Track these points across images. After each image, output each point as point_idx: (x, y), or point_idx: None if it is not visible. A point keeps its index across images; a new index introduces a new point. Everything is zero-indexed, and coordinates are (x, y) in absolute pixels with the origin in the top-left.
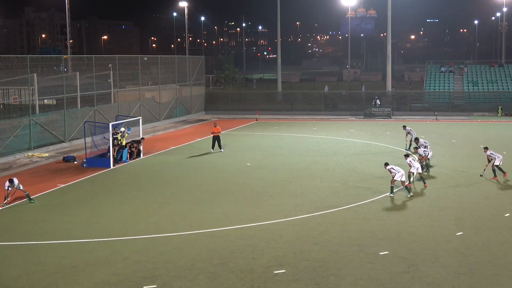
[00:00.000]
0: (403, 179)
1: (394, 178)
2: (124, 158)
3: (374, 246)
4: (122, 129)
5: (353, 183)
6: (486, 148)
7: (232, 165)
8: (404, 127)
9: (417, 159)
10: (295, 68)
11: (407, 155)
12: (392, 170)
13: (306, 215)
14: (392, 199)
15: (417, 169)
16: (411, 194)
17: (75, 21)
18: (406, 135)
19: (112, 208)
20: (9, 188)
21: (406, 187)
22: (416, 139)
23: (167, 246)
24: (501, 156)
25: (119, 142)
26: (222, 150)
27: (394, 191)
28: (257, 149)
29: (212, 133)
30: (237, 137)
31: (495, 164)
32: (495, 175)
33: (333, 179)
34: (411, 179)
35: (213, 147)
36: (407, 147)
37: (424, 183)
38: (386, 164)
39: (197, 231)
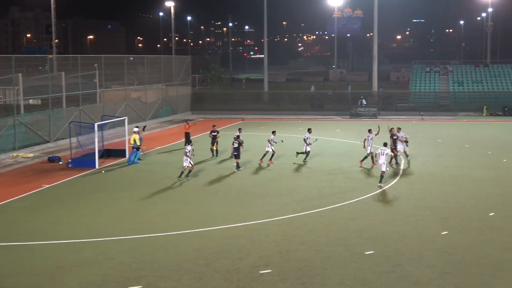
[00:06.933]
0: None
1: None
2: (136, 160)
3: (360, 245)
4: (136, 129)
5: (339, 183)
6: (399, 128)
7: (218, 165)
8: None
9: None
10: (281, 68)
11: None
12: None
13: (292, 215)
14: (378, 198)
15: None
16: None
17: (61, 20)
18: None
19: (98, 208)
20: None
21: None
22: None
23: (152, 246)
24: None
25: (135, 143)
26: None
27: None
28: (243, 149)
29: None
30: (223, 137)
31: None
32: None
33: (319, 179)
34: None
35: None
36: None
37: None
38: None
39: (183, 232)
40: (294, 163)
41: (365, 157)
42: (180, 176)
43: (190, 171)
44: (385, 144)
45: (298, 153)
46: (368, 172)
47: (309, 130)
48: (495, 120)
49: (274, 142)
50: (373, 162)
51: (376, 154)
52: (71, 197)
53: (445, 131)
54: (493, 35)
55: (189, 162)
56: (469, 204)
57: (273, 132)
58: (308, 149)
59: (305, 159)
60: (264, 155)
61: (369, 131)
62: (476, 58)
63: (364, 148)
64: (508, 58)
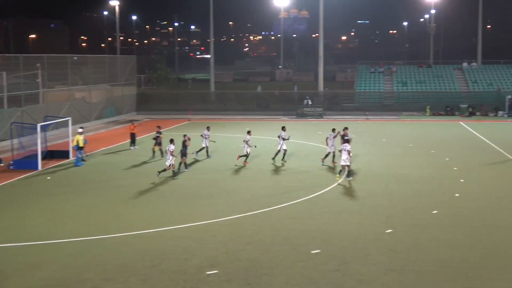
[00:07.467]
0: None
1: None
2: (79, 161)
3: (306, 244)
4: (80, 130)
5: (285, 183)
6: (346, 128)
7: (163, 166)
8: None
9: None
10: (228, 68)
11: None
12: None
13: (239, 215)
14: (324, 198)
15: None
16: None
17: (2, 19)
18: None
19: (41, 211)
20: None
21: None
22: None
23: (97, 249)
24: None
25: (77, 144)
26: (134, 147)
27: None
28: (189, 149)
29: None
30: (169, 137)
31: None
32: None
33: (266, 179)
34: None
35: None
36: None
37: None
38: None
39: (129, 233)
40: (273, 163)
41: (326, 155)
42: (160, 172)
43: (173, 170)
44: (346, 141)
45: (276, 155)
46: (316, 171)
47: (283, 128)
48: (437, 119)
49: (249, 145)
50: (333, 161)
51: (340, 150)
52: (12, 200)
53: (390, 130)
54: (436, 36)
55: (171, 161)
56: (413, 203)
57: (249, 132)
58: (285, 147)
59: (283, 158)
60: (245, 156)
61: (333, 130)
62: (419, 58)
63: (327, 146)
64: (450, 59)
